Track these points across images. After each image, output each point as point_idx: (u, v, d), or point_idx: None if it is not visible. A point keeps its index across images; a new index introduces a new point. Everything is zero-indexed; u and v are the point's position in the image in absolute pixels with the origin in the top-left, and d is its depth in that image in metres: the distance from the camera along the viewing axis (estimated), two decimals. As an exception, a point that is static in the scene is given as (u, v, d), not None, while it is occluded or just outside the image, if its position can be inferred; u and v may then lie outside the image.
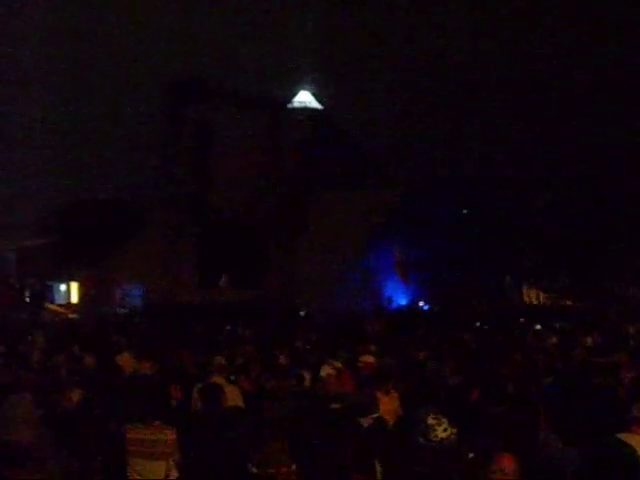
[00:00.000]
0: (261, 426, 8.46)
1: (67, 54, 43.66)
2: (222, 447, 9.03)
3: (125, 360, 14.99)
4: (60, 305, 45.37)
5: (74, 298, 46.79)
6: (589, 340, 21.76)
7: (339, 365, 13.65)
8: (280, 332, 24.93)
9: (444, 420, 6.34)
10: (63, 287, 47.65)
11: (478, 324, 32.15)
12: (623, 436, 7.19)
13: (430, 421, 6.29)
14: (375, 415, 9.53)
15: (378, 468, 6.77)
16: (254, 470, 6.39)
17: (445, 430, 6.26)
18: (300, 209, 46.61)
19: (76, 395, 10.28)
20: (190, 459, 9.03)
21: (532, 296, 48.25)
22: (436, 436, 6.21)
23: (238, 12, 43.91)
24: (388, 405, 10.72)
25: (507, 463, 6.26)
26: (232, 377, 12.84)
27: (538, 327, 31.39)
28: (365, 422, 9.19)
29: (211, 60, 43.56)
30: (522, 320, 34.01)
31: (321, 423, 8.93)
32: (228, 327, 28.21)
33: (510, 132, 46.22)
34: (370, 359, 14.43)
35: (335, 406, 10.18)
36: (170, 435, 8.87)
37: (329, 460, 5.60)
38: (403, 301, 46.90)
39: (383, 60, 45.23)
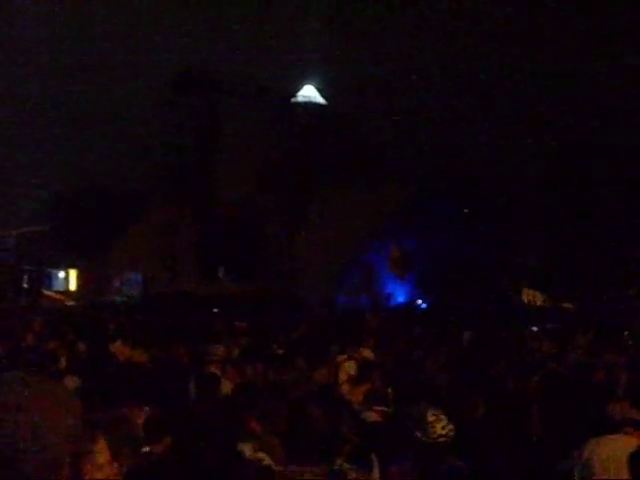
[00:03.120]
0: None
1: (71, 44, 43.63)
2: (217, 437, 8.98)
3: (118, 348, 14.94)
4: (58, 292, 45.38)
5: (72, 285, 46.82)
6: (582, 340, 21.76)
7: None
8: (278, 324, 24.93)
9: (443, 417, 6.31)
10: (62, 274, 47.67)
11: (475, 323, 32.12)
12: (614, 437, 7.17)
13: (430, 418, 6.26)
14: (383, 409, 9.46)
15: (375, 462, 6.71)
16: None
17: (444, 427, 6.22)
18: (301, 203, 46.63)
19: (72, 382, 10.22)
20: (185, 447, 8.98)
21: (531, 297, 48.18)
22: (435, 432, 6.17)
23: (245, 4, 43.86)
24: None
25: None
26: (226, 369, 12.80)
27: (534, 329, 31.41)
28: (370, 416, 9.14)
29: (216, 52, 43.51)
30: (519, 321, 34.00)
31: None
32: (220, 317, 28.27)
33: (513, 130, 46.18)
34: (367, 353, 14.39)
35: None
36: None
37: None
38: (401, 298, 46.90)
39: (388, 56, 45.15)
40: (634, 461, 5.96)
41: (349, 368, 13.24)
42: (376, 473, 6.53)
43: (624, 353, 17.91)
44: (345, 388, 11.48)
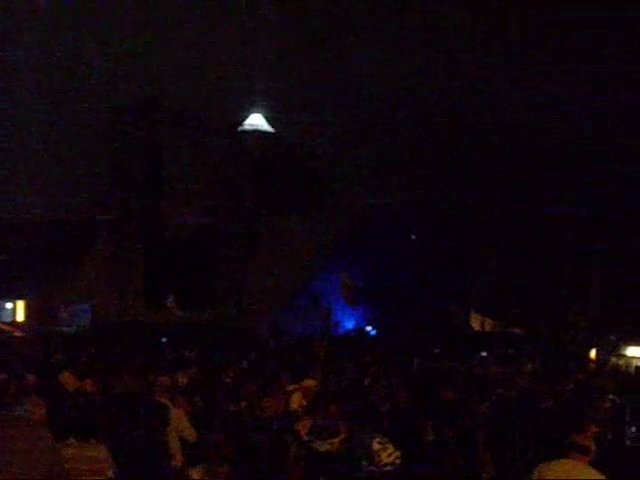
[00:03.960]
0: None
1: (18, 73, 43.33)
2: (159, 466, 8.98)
3: (66, 379, 14.84)
4: (5, 323, 44.89)
5: (20, 316, 46.33)
6: (529, 367, 21.97)
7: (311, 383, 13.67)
8: (227, 353, 24.89)
9: (389, 445, 6.35)
10: (9, 305, 47.17)
11: (424, 350, 32.25)
12: (561, 462, 7.28)
13: (376, 446, 6.31)
14: (335, 440, 9.48)
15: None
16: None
17: (389, 455, 6.27)
18: (251, 231, 46.67)
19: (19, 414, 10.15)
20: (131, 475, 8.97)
21: (478, 323, 48.44)
22: (380, 461, 6.22)
23: (190, 34, 43.84)
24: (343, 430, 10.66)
25: None
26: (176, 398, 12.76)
27: (484, 354, 31.62)
28: (322, 447, 9.16)
29: (162, 80, 43.43)
30: (467, 347, 34.19)
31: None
32: (167, 347, 28.19)
33: (462, 156, 46.53)
34: (311, 383, 14.34)
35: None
36: (104, 452, 8.79)
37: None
38: (350, 325, 46.96)
39: (335, 84, 45.31)
40: None
41: (298, 398, 13.26)
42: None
43: (571, 379, 18.12)
44: (296, 417, 11.51)
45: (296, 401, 13.25)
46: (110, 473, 8.83)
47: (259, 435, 5.64)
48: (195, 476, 6.41)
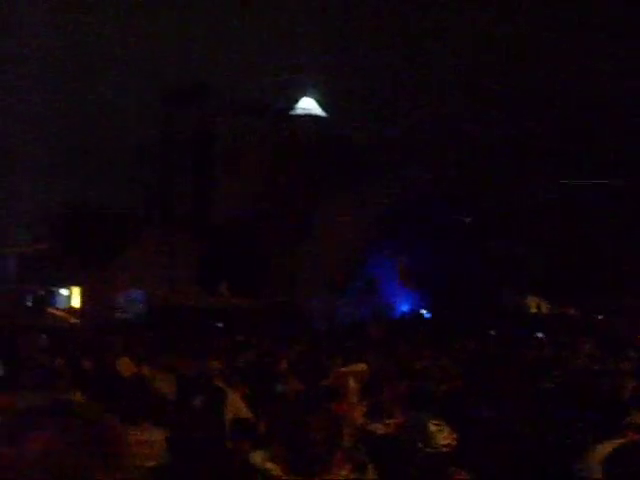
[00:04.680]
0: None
1: (66, 57, 43.56)
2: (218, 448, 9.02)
3: (124, 364, 14.96)
4: (62, 309, 45.33)
5: (76, 303, 46.77)
6: (587, 347, 21.80)
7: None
8: (281, 338, 24.93)
9: (444, 427, 6.31)
10: (65, 292, 47.63)
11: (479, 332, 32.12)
12: (614, 442, 7.22)
13: (432, 428, 6.26)
14: (391, 421, 9.47)
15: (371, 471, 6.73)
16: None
17: (446, 437, 6.22)
18: (303, 215, 46.61)
19: (76, 398, 10.25)
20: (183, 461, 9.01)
21: (534, 305, 48.17)
22: (437, 443, 6.18)
23: (242, 18, 43.88)
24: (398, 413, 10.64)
25: None
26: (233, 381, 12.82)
27: (540, 335, 31.42)
28: (378, 429, 9.16)
29: (213, 65, 43.50)
30: (523, 328, 34.02)
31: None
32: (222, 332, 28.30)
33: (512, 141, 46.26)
34: (363, 367, 14.26)
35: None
36: (159, 436, 8.83)
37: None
38: (405, 307, 46.85)
39: (386, 68, 45.21)
40: (610, 463, 5.99)
41: (352, 381, 13.25)
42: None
43: (628, 360, 17.96)
44: (350, 401, 11.50)
45: (349, 385, 13.25)
46: (166, 457, 8.88)
47: (312, 420, 5.68)
48: (257, 460, 6.41)
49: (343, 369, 14.08)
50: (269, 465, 6.28)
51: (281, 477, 5.71)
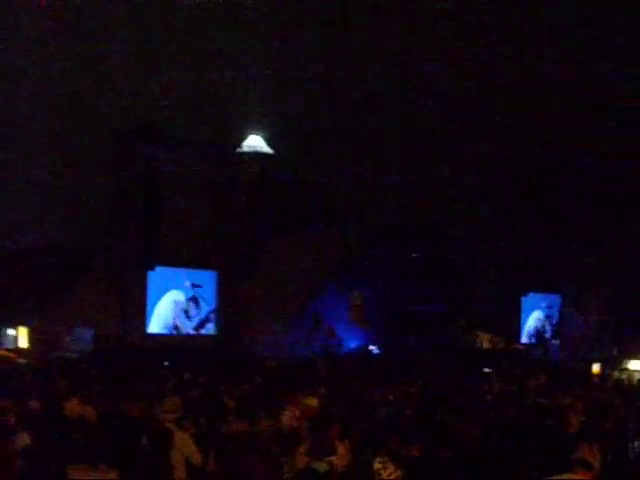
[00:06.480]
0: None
1: (14, 93, 43.26)
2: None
3: (73, 406, 14.85)
4: (9, 350, 44.81)
5: (23, 343, 46.27)
6: (536, 382, 21.97)
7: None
8: (229, 376, 24.83)
9: (389, 464, 6.34)
10: (12, 332, 47.13)
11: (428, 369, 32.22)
12: (564, 476, 7.28)
13: (376, 465, 6.31)
14: (330, 459, 9.46)
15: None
16: None
17: (390, 475, 6.26)
18: (250, 253, 46.62)
19: (23, 439, 10.19)
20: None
21: (487, 340, 48.26)
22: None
23: (187, 56, 43.86)
24: (342, 450, 10.60)
25: None
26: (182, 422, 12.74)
27: (487, 370, 31.62)
28: (320, 466, 9.13)
29: (159, 105, 43.40)
30: (471, 364, 34.18)
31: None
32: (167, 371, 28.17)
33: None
34: (313, 402, 14.23)
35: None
36: (114, 476, 8.81)
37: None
38: (353, 344, 46.86)
39: (334, 104, 45.41)
40: None
41: (298, 417, 13.25)
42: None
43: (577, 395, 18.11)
44: (295, 438, 11.50)
45: (295, 421, 13.23)
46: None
47: (253, 458, 5.64)
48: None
49: (294, 409, 14.07)
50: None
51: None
